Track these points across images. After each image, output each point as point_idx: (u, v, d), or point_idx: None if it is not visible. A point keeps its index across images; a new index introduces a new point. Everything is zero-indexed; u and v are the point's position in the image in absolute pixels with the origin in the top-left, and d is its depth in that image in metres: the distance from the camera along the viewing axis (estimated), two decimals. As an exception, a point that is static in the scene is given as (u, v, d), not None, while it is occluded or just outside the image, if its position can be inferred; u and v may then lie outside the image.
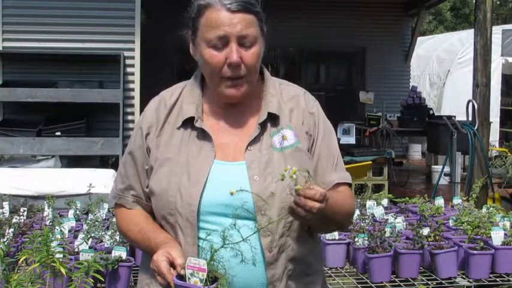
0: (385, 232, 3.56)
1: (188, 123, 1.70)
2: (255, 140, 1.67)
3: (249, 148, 1.66)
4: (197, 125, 1.68)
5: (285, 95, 1.75)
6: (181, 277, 1.51)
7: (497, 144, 10.77)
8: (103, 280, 2.96)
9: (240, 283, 1.60)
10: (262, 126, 1.69)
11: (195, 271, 1.50)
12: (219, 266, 1.53)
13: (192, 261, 1.51)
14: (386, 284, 3.31)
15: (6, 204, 4.20)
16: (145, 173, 1.73)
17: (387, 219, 3.98)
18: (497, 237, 3.47)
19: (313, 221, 1.53)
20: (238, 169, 1.63)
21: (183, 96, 1.74)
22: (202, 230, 1.61)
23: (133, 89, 6.59)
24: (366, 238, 3.45)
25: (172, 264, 1.54)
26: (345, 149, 7.39)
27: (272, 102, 1.72)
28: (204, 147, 1.67)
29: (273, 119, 1.70)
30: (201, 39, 1.65)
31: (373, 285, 3.29)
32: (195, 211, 1.61)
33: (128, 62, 6.50)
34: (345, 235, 3.67)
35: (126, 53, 6.48)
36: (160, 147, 1.70)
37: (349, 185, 1.77)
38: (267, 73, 1.77)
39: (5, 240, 3.40)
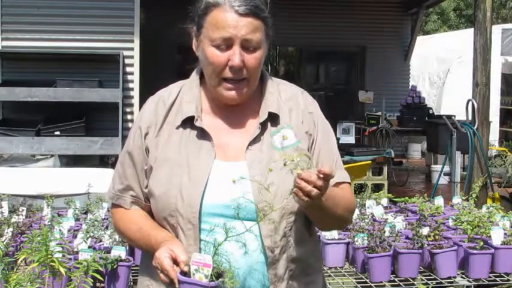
0: (384, 232, 3.56)
1: (187, 122, 1.68)
2: (255, 140, 1.66)
3: (249, 148, 1.65)
4: (197, 124, 1.67)
5: (283, 95, 1.75)
6: (185, 274, 1.50)
7: (496, 144, 10.77)
8: (102, 280, 2.96)
9: (242, 284, 1.59)
10: (263, 125, 1.68)
11: (200, 267, 1.48)
12: (224, 260, 1.51)
13: (197, 257, 1.50)
14: (386, 284, 3.31)
15: (5, 204, 4.20)
16: (144, 174, 1.71)
17: (387, 219, 3.97)
18: (497, 236, 3.47)
19: (317, 203, 1.50)
20: (239, 169, 1.62)
21: (182, 95, 1.73)
22: (204, 231, 1.60)
23: (132, 89, 6.59)
24: (366, 238, 3.44)
25: (175, 261, 1.52)
26: (345, 149, 7.38)
27: (272, 102, 1.71)
28: (203, 147, 1.65)
29: (273, 118, 1.69)
30: (205, 36, 1.64)
31: (372, 284, 3.29)
32: (196, 212, 1.59)
33: (127, 61, 6.50)
34: (344, 235, 3.67)
35: (126, 53, 6.48)
36: (159, 147, 1.68)
37: (349, 184, 1.77)
38: (265, 73, 1.76)
39: (4, 239, 3.39)
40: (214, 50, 1.62)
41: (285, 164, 1.45)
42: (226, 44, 1.60)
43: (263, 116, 1.68)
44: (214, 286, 1.48)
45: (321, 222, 1.71)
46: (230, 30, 1.59)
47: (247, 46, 1.61)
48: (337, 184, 1.71)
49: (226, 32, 1.59)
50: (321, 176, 1.44)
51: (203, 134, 1.67)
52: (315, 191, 1.45)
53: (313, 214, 1.63)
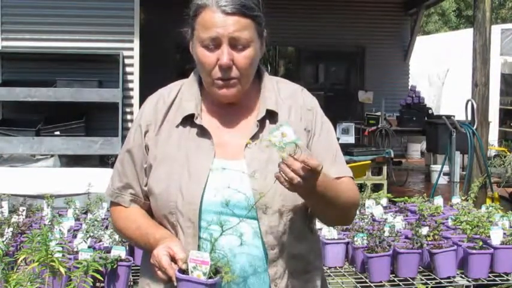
0: (384, 231, 3.56)
1: (187, 120, 1.69)
2: (254, 138, 1.67)
3: (248, 146, 1.66)
4: (197, 122, 1.68)
5: (282, 93, 1.75)
6: (183, 271, 1.51)
7: (496, 144, 10.77)
8: (102, 280, 2.96)
9: (242, 282, 1.60)
10: (261, 123, 1.69)
11: (198, 264, 1.49)
12: (220, 255, 1.52)
13: (195, 255, 1.50)
14: (386, 284, 3.31)
15: (5, 204, 4.20)
16: (143, 172, 1.72)
17: (386, 219, 3.98)
18: (496, 236, 3.47)
19: (308, 192, 1.50)
20: (238, 167, 1.63)
21: (182, 94, 1.74)
22: (203, 228, 1.61)
23: (132, 89, 6.60)
24: (365, 237, 3.45)
25: (173, 259, 1.53)
26: (344, 149, 7.36)
27: (270, 99, 1.72)
28: (203, 145, 1.66)
29: (271, 116, 1.70)
30: (196, 38, 1.66)
31: (372, 284, 3.29)
32: (196, 210, 1.60)
33: (126, 61, 6.51)
34: (344, 234, 3.67)
35: (125, 53, 6.49)
36: (159, 145, 1.69)
37: (352, 178, 1.75)
38: (264, 71, 1.77)
39: (4, 239, 3.39)
40: (203, 50, 1.64)
41: (276, 145, 1.44)
42: (215, 43, 1.62)
43: (261, 113, 1.69)
44: (213, 283, 1.48)
45: (322, 215, 1.71)
46: (217, 29, 1.60)
47: (235, 45, 1.62)
48: (336, 179, 1.70)
49: (213, 32, 1.61)
50: (307, 167, 1.44)
51: (203, 133, 1.68)
52: (297, 180, 1.44)
53: (313, 206, 1.64)
